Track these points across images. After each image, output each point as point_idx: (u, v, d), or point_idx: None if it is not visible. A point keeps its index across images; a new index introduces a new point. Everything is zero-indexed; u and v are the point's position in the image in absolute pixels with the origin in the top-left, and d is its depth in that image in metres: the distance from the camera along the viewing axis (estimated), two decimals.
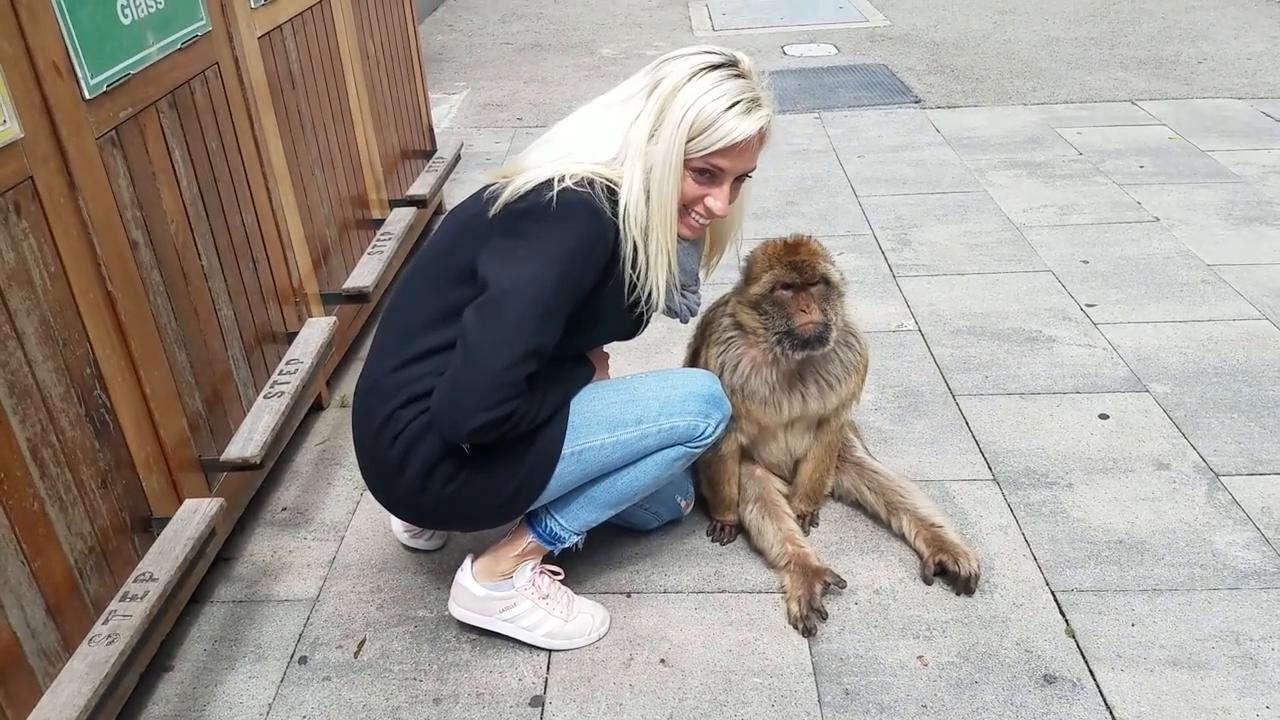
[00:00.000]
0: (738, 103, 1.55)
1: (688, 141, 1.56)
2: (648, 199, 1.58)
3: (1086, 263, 3.27)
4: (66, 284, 1.52)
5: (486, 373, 1.47)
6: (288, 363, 2.10)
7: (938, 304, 3.05)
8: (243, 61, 2.08)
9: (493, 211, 1.56)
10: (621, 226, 1.58)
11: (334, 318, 2.32)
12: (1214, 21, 6.10)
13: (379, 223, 2.83)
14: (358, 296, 2.46)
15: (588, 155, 1.57)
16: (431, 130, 3.59)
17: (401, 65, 3.28)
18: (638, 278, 1.61)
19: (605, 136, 1.59)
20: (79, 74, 1.54)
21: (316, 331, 2.21)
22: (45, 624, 1.47)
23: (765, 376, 1.91)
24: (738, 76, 1.58)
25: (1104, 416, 2.47)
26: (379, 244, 2.67)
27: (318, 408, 2.53)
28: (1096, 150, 4.21)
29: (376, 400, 1.63)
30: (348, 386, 2.70)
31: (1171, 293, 3.05)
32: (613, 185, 1.57)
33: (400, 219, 2.83)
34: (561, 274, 1.51)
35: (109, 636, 1.50)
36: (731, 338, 1.92)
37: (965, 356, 2.76)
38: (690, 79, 1.55)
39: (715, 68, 1.57)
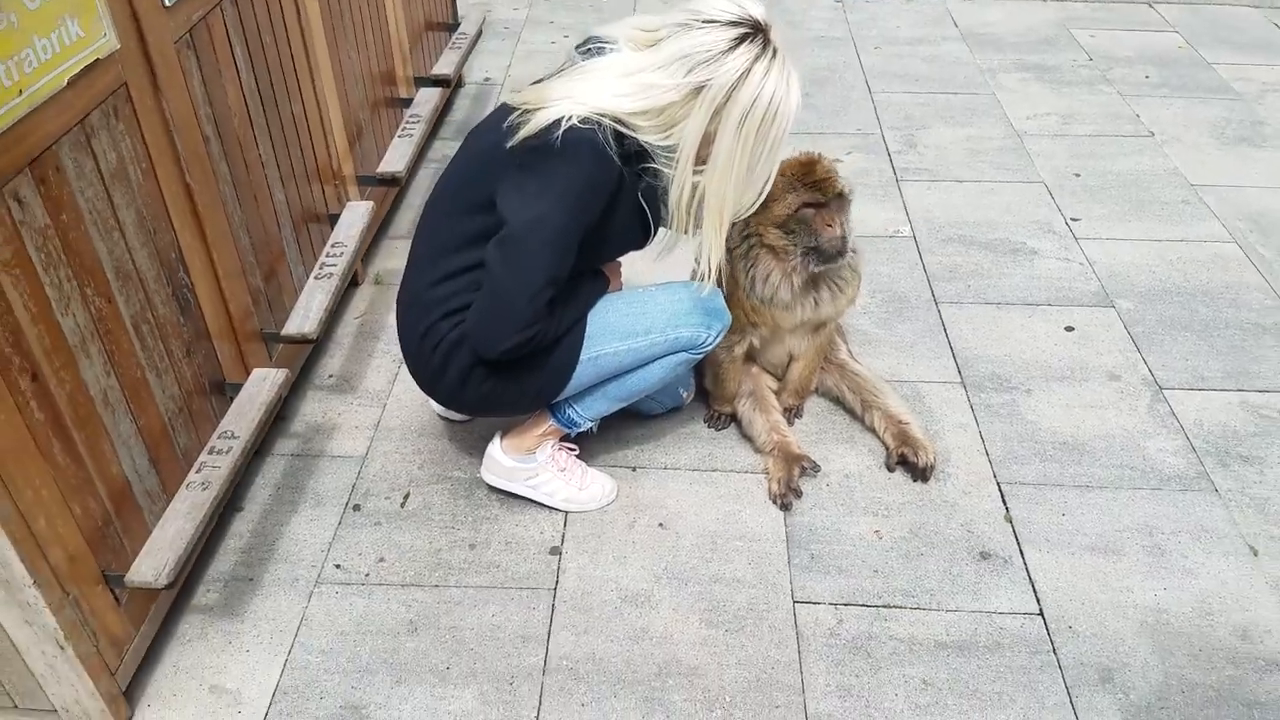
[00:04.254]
0: (781, 109, 1.66)
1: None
2: (699, 206, 1.75)
3: (1078, 175, 3.42)
4: (155, 179, 1.71)
5: (511, 303, 1.71)
6: (334, 245, 2.31)
7: (934, 210, 3.22)
8: None
9: (510, 144, 1.71)
10: (671, 216, 1.78)
11: (371, 203, 2.51)
12: None
13: (406, 102, 2.96)
14: (391, 180, 2.63)
15: (610, 104, 1.68)
16: (454, 2, 3.63)
17: None
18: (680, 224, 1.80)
19: (639, 99, 1.68)
20: None
21: (357, 216, 2.40)
22: (149, 471, 1.75)
23: (791, 285, 2.11)
24: (770, 52, 1.66)
25: (1069, 329, 2.70)
26: (408, 127, 2.81)
27: (354, 284, 2.76)
28: (1106, 56, 4.27)
29: (418, 313, 1.87)
30: (380, 264, 2.93)
31: (1152, 211, 3.21)
32: (621, 130, 1.69)
33: (427, 100, 2.96)
34: (570, 209, 1.69)
35: (203, 484, 1.79)
36: (758, 255, 2.10)
37: (952, 265, 2.96)
38: (739, 84, 1.63)
39: (756, 59, 1.64)
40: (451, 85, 3.22)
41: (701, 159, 1.72)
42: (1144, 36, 4.45)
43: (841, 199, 2.04)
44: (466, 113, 3.82)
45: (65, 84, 1.46)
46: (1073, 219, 3.18)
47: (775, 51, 1.67)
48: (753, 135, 1.68)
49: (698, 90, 1.66)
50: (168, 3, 1.70)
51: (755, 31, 1.67)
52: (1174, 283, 2.88)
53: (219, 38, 1.90)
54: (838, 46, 4.34)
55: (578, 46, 1.85)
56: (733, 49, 1.64)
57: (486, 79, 4.09)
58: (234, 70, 1.97)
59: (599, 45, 1.80)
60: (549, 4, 4.81)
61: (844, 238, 2.03)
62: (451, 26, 3.53)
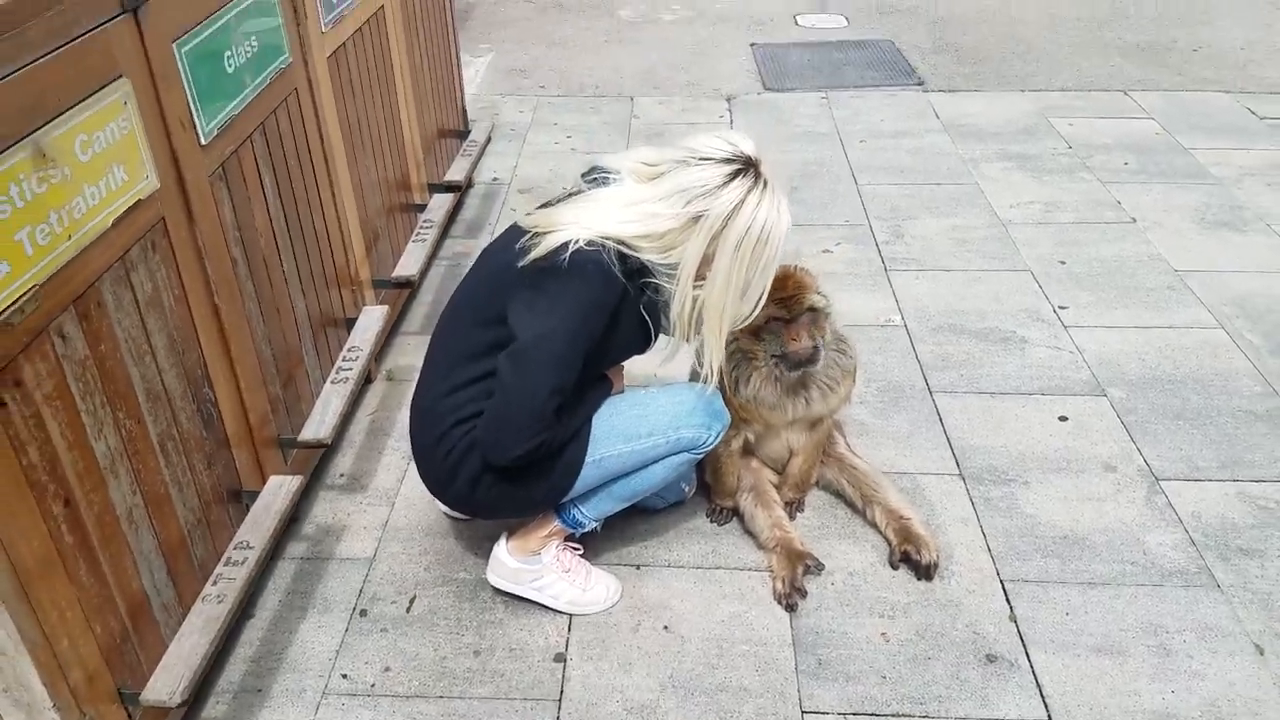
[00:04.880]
0: (773, 234, 1.79)
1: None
2: (700, 317, 1.86)
3: (1064, 263, 3.51)
4: (186, 304, 1.79)
5: (520, 413, 1.80)
6: (349, 350, 2.38)
7: (923, 299, 3.31)
8: (315, 83, 2.31)
9: (521, 264, 1.82)
10: (673, 326, 1.88)
11: (386, 306, 2.60)
12: (1214, 3, 6.19)
13: (420, 207, 3.08)
14: (405, 284, 2.73)
15: (615, 229, 1.80)
16: (465, 111, 3.79)
17: (440, 50, 3.47)
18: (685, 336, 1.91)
19: (641, 225, 1.81)
20: (198, 125, 1.79)
21: (372, 320, 2.49)
22: (166, 584, 1.78)
23: (774, 387, 2.21)
24: (761, 184, 1.79)
25: (1063, 419, 2.74)
26: (422, 232, 2.93)
27: (367, 380, 2.83)
28: (1085, 144, 4.41)
29: (431, 421, 1.96)
30: (393, 360, 3.00)
31: (1138, 298, 3.29)
32: (624, 250, 1.81)
33: (440, 205, 3.08)
34: (576, 325, 1.81)
35: (218, 597, 1.82)
36: (739, 358, 2.20)
37: (945, 354, 3.03)
38: (734, 213, 1.76)
39: (749, 191, 1.77)
40: (462, 189, 3.35)
41: (700, 276, 1.83)
42: (1121, 124, 4.60)
43: (814, 313, 2.14)
44: (476, 211, 3.93)
45: (110, 225, 1.55)
46: (1060, 307, 3.26)
47: (766, 183, 1.80)
48: (748, 256, 1.80)
49: (696, 219, 1.79)
50: (204, 141, 1.80)
51: (747, 167, 1.80)
52: (1164, 371, 2.93)
53: (249, 168, 2.01)
54: (824, 141, 4.50)
55: (584, 175, 1.98)
56: (727, 183, 1.77)
57: (495, 179, 4.20)
58: (261, 195, 2.07)
59: (603, 175, 1.92)
60: (553, 107, 4.98)
61: (812, 348, 2.12)
62: (463, 134, 3.69)
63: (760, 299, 1.90)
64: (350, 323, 2.52)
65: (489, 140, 3.75)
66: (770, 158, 1.83)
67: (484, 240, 3.71)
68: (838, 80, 5.14)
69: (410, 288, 2.76)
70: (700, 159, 1.80)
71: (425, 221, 2.99)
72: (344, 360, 2.37)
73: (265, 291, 2.10)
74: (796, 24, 6.01)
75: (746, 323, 1.96)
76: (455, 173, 3.37)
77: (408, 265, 2.79)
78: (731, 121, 4.76)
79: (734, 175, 1.78)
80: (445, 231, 3.66)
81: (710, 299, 1.83)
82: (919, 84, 5.07)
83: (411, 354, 3.02)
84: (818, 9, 6.21)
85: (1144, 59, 5.34)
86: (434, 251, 2.97)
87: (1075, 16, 5.98)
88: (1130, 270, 3.46)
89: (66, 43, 1.47)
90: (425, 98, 3.30)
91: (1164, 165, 4.21)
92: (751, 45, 5.69)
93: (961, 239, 3.68)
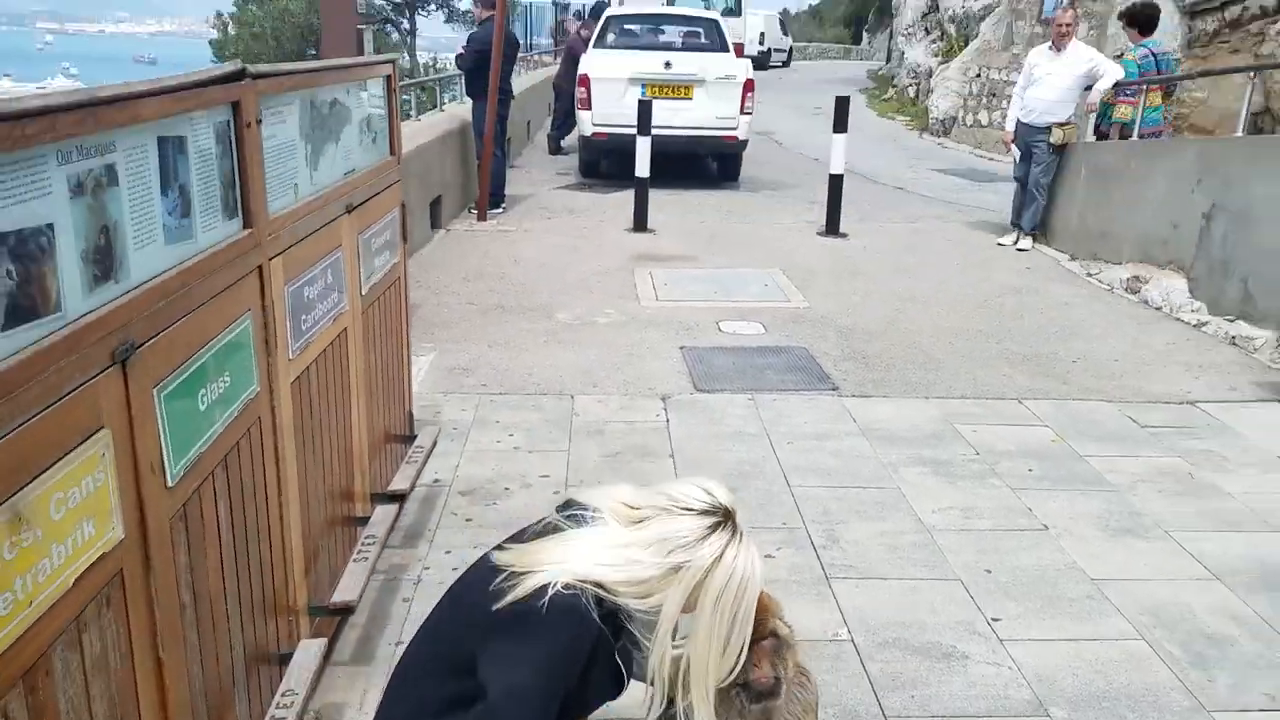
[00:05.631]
0: (749, 586, 1.85)
1: None
2: (684, 675, 1.85)
3: (989, 572, 3.62)
4: (131, 661, 1.67)
5: None
6: (284, 694, 2.22)
7: (865, 610, 3.33)
8: (278, 410, 2.33)
9: (495, 607, 1.81)
10: (651, 676, 1.85)
11: (323, 639, 2.46)
12: (1084, 319, 6.95)
13: (362, 520, 3.02)
14: (344, 610, 2.62)
15: (595, 572, 1.82)
16: (411, 415, 3.86)
17: (393, 360, 3.58)
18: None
19: (622, 571, 1.84)
20: (167, 468, 1.77)
21: (309, 657, 2.35)
22: None
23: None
24: (738, 537, 1.88)
25: None
26: (364, 549, 2.86)
27: None
28: (991, 450, 4.69)
29: None
30: (321, 699, 2.75)
31: (1063, 608, 3.38)
32: (601, 594, 1.83)
33: (383, 519, 3.04)
34: (550, 677, 1.77)
35: None
36: None
37: (894, 673, 3.01)
38: (714, 566, 1.83)
39: (728, 544, 1.85)
40: (405, 499, 3.33)
41: (681, 631, 1.82)
42: (1020, 431, 4.93)
43: (777, 639, 2.13)
44: (415, 517, 3.85)
45: (71, 585, 1.47)
46: (994, 619, 3.32)
47: (742, 535, 1.88)
48: (728, 609, 1.83)
49: (677, 569, 1.82)
50: (170, 484, 1.78)
51: (726, 519, 1.88)
52: (1098, 687, 2.97)
53: (208, 504, 1.96)
54: (754, 441, 4.70)
55: (559, 509, 2.00)
56: (707, 536, 1.84)
57: (436, 480, 4.17)
58: (216, 531, 2.01)
59: (581, 512, 1.95)
60: (494, 405, 5.10)
61: (775, 679, 2.10)
62: (408, 438, 3.72)
63: (741, 654, 1.90)
64: (285, 659, 2.37)
65: (434, 446, 3.79)
66: (742, 515, 1.92)
67: (422, 549, 3.63)
68: (761, 383, 5.46)
69: (349, 613, 2.65)
70: (682, 509, 1.87)
71: (368, 537, 2.93)
72: (278, 708, 2.20)
73: (208, 636, 1.98)
74: (719, 330, 6.45)
75: (728, 681, 1.94)
76: (400, 481, 3.36)
77: (348, 588, 2.69)
78: (667, 419, 4.94)
79: (714, 528, 1.86)
80: (384, 544, 3.57)
81: (694, 656, 1.83)
82: (833, 389, 5.43)
83: (342, 690, 2.81)
84: (737, 317, 6.73)
85: (1031, 369, 5.86)
86: (373, 569, 2.88)
87: (964, 329, 6.59)
88: (1051, 580, 3.58)
89: (57, 400, 1.47)
90: (376, 406, 3.35)
91: (1064, 472, 4.48)
92: (681, 348, 6.05)
93: (892, 544, 3.78)
